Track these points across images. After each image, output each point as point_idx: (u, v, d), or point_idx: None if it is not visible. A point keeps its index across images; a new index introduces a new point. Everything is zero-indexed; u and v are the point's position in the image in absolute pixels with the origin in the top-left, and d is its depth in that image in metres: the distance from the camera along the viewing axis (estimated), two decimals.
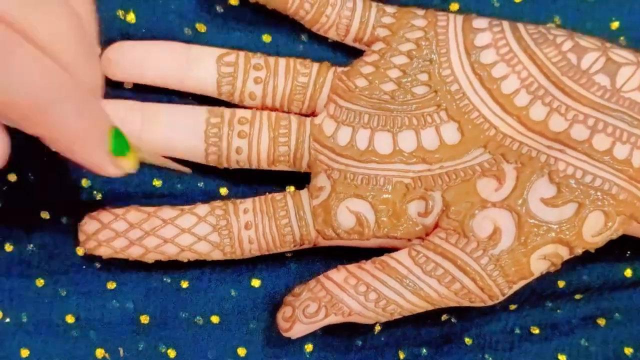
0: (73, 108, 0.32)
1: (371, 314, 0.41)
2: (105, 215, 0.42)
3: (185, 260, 0.43)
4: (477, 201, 0.40)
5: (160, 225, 0.42)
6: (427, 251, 0.41)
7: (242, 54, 0.43)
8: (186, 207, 0.43)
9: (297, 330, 0.41)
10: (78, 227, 0.43)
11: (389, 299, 0.40)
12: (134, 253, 0.42)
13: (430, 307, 0.41)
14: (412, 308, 0.41)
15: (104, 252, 0.42)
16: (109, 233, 0.42)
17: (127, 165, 0.36)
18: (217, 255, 0.43)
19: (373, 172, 0.42)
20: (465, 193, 0.41)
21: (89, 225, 0.42)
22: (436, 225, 0.41)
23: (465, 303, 0.41)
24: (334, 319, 0.41)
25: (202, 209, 0.43)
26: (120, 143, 0.36)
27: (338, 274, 0.41)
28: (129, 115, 0.42)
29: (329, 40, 0.45)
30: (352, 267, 0.41)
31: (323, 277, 0.42)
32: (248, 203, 0.43)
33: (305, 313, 0.41)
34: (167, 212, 0.42)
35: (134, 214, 0.42)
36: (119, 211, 0.42)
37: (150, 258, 0.42)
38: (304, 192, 0.43)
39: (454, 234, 0.40)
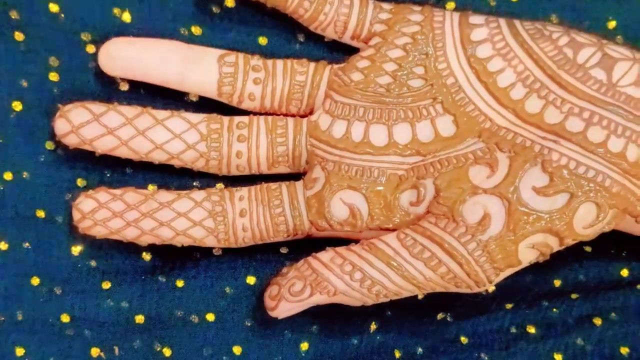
0: None
1: (356, 294, 0.40)
2: (102, 195, 0.42)
3: (179, 245, 0.43)
4: (469, 187, 0.40)
5: (157, 208, 0.42)
6: (415, 234, 0.41)
7: (241, 55, 0.44)
8: (183, 192, 0.43)
9: (282, 309, 0.41)
10: (72, 205, 0.42)
11: (374, 279, 0.40)
12: (129, 235, 0.42)
13: (416, 291, 0.41)
14: (397, 290, 0.40)
15: (99, 231, 0.42)
16: (106, 213, 0.42)
17: None
18: (210, 242, 0.43)
19: (367, 164, 0.42)
20: (457, 179, 0.41)
21: (84, 203, 0.42)
22: (427, 213, 0.41)
23: (452, 288, 0.41)
24: (319, 298, 0.41)
25: (198, 194, 0.43)
26: None
27: (325, 254, 0.41)
28: (134, 120, 0.42)
29: (325, 40, 0.45)
30: (340, 248, 0.41)
31: (311, 257, 0.42)
32: (244, 191, 0.43)
33: (290, 291, 0.41)
34: (164, 195, 0.43)
35: (131, 195, 0.42)
36: (116, 191, 0.42)
37: (144, 241, 0.42)
38: (299, 183, 0.43)
39: (443, 219, 0.40)
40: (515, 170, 0.40)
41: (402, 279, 0.40)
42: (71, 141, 0.42)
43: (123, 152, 0.42)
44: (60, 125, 0.42)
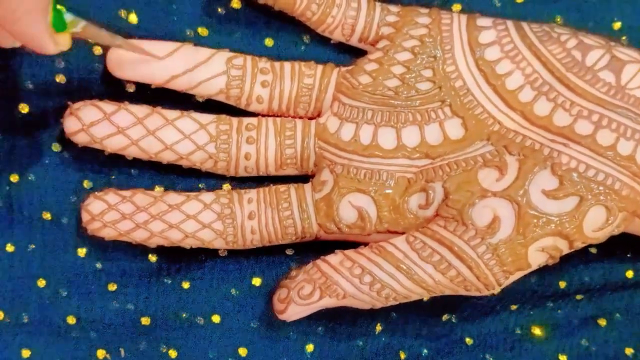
0: None
1: (365, 297, 0.40)
2: (111, 196, 0.42)
3: (188, 247, 0.43)
4: (478, 190, 0.40)
5: (167, 210, 0.42)
6: (424, 237, 0.41)
7: (249, 57, 0.43)
8: (192, 194, 0.43)
9: (291, 312, 0.41)
10: (81, 207, 0.42)
11: (383, 283, 0.40)
12: (138, 236, 0.42)
13: (425, 294, 0.41)
14: (407, 293, 0.40)
15: (108, 233, 0.42)
16: (115, 214, 0.42)
17: (64, 42, 0.38)
18: (219, 244, 0.43)
19: (376, 167, 0.42)
20: (466, 182, 0.41)
21: (93, 205, 0.42)
22: (436, 216, 0.41)
23: (461, 291, 0.41)
24: (328, 302, 0.41)
25: (207, 196, 0.43)
26: (59, 18, 0.37)
27: (335, 257, 0.41)
28: (144, 120, 0.42)
29: (331, 42, 0.45)
30: (349, 251, 0.41)
31: (320, 260, 0.42)
32: (252, 193, 0.43)
33: (300, 294, 0.41)
34: (174, 197, 0.43)
35: (140, 197, 0.42)
36: (125, 193, 0.42)
37: (153, 242, 0.42)
38: (307, 186, 0.43)
39: (452, 222, 0.40)
40: (525, 173, 0.40)
41: (412, 282, 0.40)
42: (81, 140, 0.42)
43: (132, 152, 0.42)
44: (71, 123, 0.42)
